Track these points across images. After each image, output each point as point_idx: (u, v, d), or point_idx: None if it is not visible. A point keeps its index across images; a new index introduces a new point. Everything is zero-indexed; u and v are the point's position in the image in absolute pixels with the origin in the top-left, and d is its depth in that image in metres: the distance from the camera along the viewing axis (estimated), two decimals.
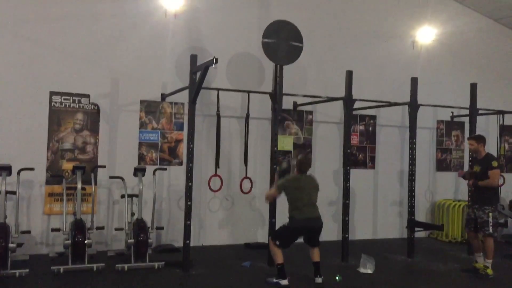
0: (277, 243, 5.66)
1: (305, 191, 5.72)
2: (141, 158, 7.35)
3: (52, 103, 6.92)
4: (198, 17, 7.71)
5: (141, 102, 7.37)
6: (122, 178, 6.56)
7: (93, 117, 7.11)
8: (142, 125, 7.38)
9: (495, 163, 6.38)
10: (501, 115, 8.46)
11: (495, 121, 8.72)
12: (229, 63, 7.81)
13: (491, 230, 6.28)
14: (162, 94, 7.44)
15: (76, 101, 7.02)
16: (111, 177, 6.83)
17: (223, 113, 6.92)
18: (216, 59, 5.32)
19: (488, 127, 9.11)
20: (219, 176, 6.75)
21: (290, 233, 5.66)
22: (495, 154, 8.15)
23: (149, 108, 7.42)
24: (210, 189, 6.80)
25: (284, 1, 8.26)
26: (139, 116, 7.35)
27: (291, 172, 6.17)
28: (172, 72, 7.52)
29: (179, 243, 7.18)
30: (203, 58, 6.33)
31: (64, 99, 6.96)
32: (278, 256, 5.63)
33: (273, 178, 6.48)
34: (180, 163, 7.51)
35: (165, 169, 7.19)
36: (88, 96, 7.07)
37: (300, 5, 8.31)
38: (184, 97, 7.12)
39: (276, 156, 6.62)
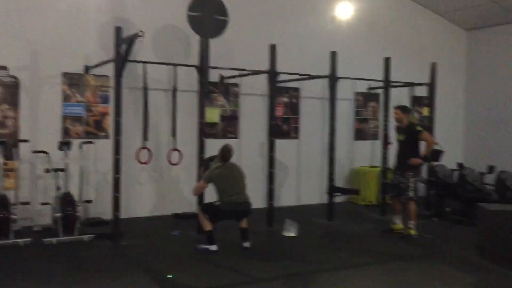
0: (207, 216, 5.89)
1: (232, 178, 5.99)
2: (65, 132, 7.22)
3: None
4: None
5: (64, 74, 7.19)
6: (46, 152, 6.44)
7: (12, 90, 6.85)
8: (66, 98, 7.22)
9: (419, 127, 6.96)
10: (412, 87, 9.13)
11: (407, 93, 9.39)
12: (154, 35, 7.76)
13: (411, 194, 6.87)
14: (85, 67, 7.29)
15: None
16: (34, 152, 6.68)
17: (149, 86, 6.92)
18: (142, 32, 5.34)
19: (401, 98, 9.76)
20: (147, 149, 6.82)
21: (219, 214, 5.91)
22: None
23: (73, 80, 7.25)
24: (139, 161, 6.85)
25: None
26: (62, 89, 7.18)
27: (214, 161, 6.36)
28: (95, 43, 7.37)
29: (107, 216, 7.21)
30: (128, 30, 6.30)
31: None
32: (207, 223, 5.88)
33: (202, 147, 6.68)
34: (107, 137, 7.46)
35: (92, 142, 7.13)
36: (5, 68, 6.78)
37: None
38: (109, 69, 7.04)
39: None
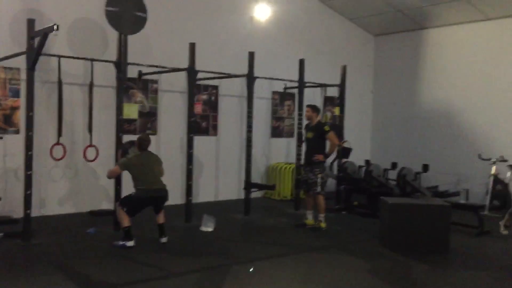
0: (124, 209, 5.90)
1: (148, 167, 6.04)
2: None
3: None
4: None
5: None
6: None
7: None
8: None
9: (327, 128, 7.38)
10: (324, 88, 9.65)
11: (320, 93, 9.91)
12: (70, 28, 7.56)
13: (319, 189, 7.29)
14: None
15: None
16: None
17: (64, 80, 6.75)
18: (57, 26, 5.23)
19: (314, 97, 10.31)
20: (61, 145, 6.64)
21: (136, 203, 5.96)
22: None
23: None
24: (52, 158, 6.66)
25: None
26: None
27: (131, 149, 6.39)
28: (5, 35, 7.05)
29: (18, 214, 6.94)
30: (42, 22, 6.12)
31: None
32: (125, 219, 5.89)
33: (119, 144, 6.64)
34: (17, 132, 7.17)
35: (1, 137, 6.81)
36: None
37: None
38: (19, 62, 6.78)
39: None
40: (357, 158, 10.06)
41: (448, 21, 10.56)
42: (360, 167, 9.87)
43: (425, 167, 9.31)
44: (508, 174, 8.97)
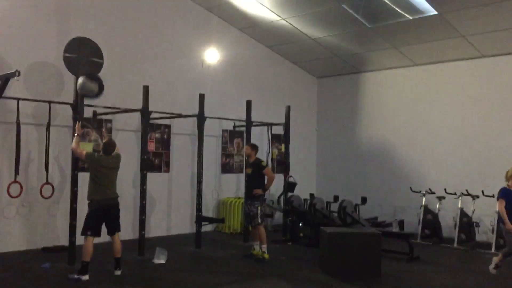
0: (89, 233, 6.22)
1: (106, 172, 6.45)
2: None
3: None
4: None
5: None
6: None
7: None
8: None
9: (263, 163, 8.02)
10: (270, 126, 10.35)
11: (267, 131, 10.59)
12: (26, 71, 7.90)
13: (259, 221, 7.85)
14: None
15: None
16: None
17: (21, 120, 7.06)
18: (19, 72, 5.65)
19: (262, 135, 11.00)
20: (18, 183, 6.91)
21: (94, 217, 6.31)
22: (266, 158, 10.01)
23: None
24: (9, 195, 6.90)
25: (83, 15, 8.69)
26: None
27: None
28: None
29: None
30: (1, 65, 6.49)
31: None
32: (88, 253, 6.20)
33: (74, 183, 6.98)
34: None
35: None
36: None
37: (100, 20, 8.87)
38: None
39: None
40: (303, 192, 10.75)
41: (381, 66, 11.64)
42: (305, 200, 10.54)
43: (364, 200, 10.07)
44: (437, 205, 9.86)
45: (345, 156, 12.49)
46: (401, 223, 10.09)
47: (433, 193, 9.95)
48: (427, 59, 10.78)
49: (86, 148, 8.52)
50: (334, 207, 10.14)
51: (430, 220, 9.83)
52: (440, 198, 9.84)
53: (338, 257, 6.80)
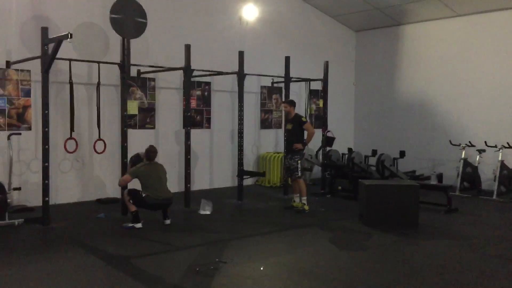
0: (131, 201, 6.66)
1: (155, 176, 6.82)
2: None
3: None
4: None
5: None
6: None
7: None
8: None
9: (304, 118, 8.21)
10: (308, 82, 10.44)
11: (304, 86, 10.69)
12: (74, 32, 8.20)
13: (299, 174, 8.13)
14: (7, 61, 7.61)
15: None
16: None
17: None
18: (71, 34, 5.94)
19: (300, 91, 11.13)
20: (74, 139, 7.38)
21: (142, 204, 6.73)
22: (305, 113, 10.16)
23: None
24: (66, 150, 7.39)
25: None
26: None
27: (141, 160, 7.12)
28: (17, 40, 7.73)
29: (31, 203, 7.69)
30: (49, 26, 6.81)
31: None
32: (131, 205, 6.65)
33: (124, 139, 7.39)
34: (29, 128, 7.88)
35: (20, 133, 7.52)
36: None
37: None
38: (30, 64, 7.49)
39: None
40: (341, 146, 10.91)
41: (422, 17, 11.39)
42: (343, 154, 10.72)
43: (402, 153, 10.18)
44: (477, 158, 9.85)
45: (383, 110, 12.48)
46: (439, 176, 10.18)
47: (473, 146, 9.92)
48: (470, 9, 10.48)
49: (132, 105, 8.91)
50: (372, 161, 10.30)
51: (470, 173, 9.86)
52: (480, 151, 9.81)
53: (376, 208, 7.02)
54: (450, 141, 10.37)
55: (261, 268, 5.10)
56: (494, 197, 9.22)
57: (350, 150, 10.46)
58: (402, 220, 6.98)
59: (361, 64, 13.06)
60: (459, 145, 10.05)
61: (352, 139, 13.06)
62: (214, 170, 10.41)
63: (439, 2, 10.44)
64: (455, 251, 5.90)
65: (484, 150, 9.80)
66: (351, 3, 11.31)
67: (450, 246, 6.11)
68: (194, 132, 9.18)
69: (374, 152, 10.18)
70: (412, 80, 11.87)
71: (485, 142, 9.79)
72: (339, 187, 9.89)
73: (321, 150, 10.33)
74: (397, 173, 9.83)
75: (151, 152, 6.93)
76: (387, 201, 7.01)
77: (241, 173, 9.06)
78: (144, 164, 6.90)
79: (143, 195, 6.73)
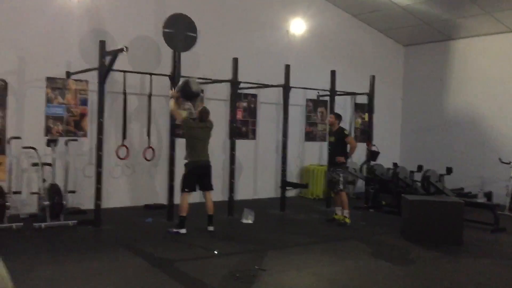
0: (186, 190, 6.94)
1: (200, 138, 7.08)
2: (48, 130, 8.05)
3: None
4: (100, 4, 8.47)
5: (48, 79, 8.01)
6: (34, 148, 7.29)
7: (0, 92, 7.63)
8: (49, 100, 8.06)
9: (346, 131, 8.28)
10: (354, 96, 10.47)
11: (350, 100, 10.74)
12: (129, 45, 8.65)
13: (341, 187, 8.17)
14: (67, 72, 8.14)
15: None
16: (24, 147, 7.48)
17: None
18: (126, 47, 6.33)
19: (345, 104, 11.18)
20: (125, 146, 7.78)
21: (189, 176, 7.02)
22: (349, 127, 10.20)
23: (55, 84, 8.10)
24: (118, 157, 7.80)
25: None
26: (45, 92, 8.01)
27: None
28: (76, 51, 8.25)
29: (84, 206, 8.12)
30: (106, 39, 7.26)
31: None
32: (185, 208, 6.93)
33: (172, 148, 7.72)
34: (85, 135, 8.36)
35: (76, 140, 8.00)
36: None
37: None
38: (87, 75, 7.98)
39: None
40: (386, 161, 10.82)
41: (473, 32, 11.19)
42: (388, 169, 10.62)
43: (449, 170, 9.98)
44: None
45: (431, 125, 12.29)
46: (488, 194, 9.91)
47: None
48: None
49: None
50: (418, 176, 10.15)
51: None
52: None
53: (419, 224, 6.96)
54: (499, 159, 10.09)
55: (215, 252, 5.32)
56: None
57: (395, 164, 10.36)
58: (445, 237, 6.89)
59: (409, 78, 12.94)
60: (509, 163, 9.75)
61: (398, 153, 12.91)
62: (257, 181, 10.59)
63: (491, 17, 10.25)
64: (497, 271, 5.78)
65: None
66: (401, 18, 11.28)
67: (493, 265, 5.98)
68: (240, 143, 9.41)
69: (420, 168, 10.03)
70: (461, 95, 11.65)
71: None
72: (384, 202, 9.81)
73: (365, 164, 10.30)
74: (443, 190, 9.64)
75: (204, 112, 7.20)
76: (430, 217, 6.93)
77: (284, 184, 9.18)
78: (195, 120, 7.20)
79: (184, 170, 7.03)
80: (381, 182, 10.14)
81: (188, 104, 9.45)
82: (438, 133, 12.07)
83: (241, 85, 8.70)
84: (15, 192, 7.27)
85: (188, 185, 7.01)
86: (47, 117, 8.06)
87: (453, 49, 11.88)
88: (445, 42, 11.96)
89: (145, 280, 5.04)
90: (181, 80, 7.34)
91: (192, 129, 7.08)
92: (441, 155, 11.67)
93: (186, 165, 7.09)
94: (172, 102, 7.21)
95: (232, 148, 8.50)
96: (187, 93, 6.96)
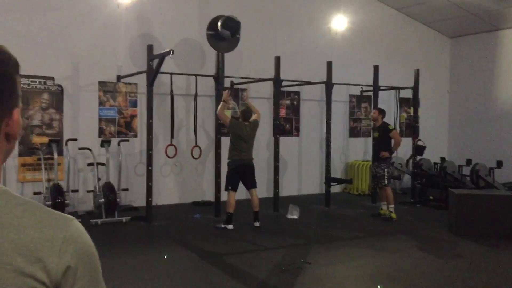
0: (230, 188, 7.17)
1: (245, 138, 7.27)
2: (101, 131, 8.49)
3: (21, 85, 7.81)
4: (146, 9, 8.82)
5: (99, 83, 8.45)
6: (90, 149, 7.71)
7: (57, 96, 8.12)
8: (101, 103, 8.49)
9: (391, 126, 8.25)
10: (398, 90, 10.38)
11: (394, 95, 10.64)
12: (174, 48, 8.99)
13: (386, 182, 8.15)
14: (117, 76, 8.54)
15: (42, 83, 7.98)
16: (80, 148, 7.93)
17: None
18: (173, 51, 6.60)
19: (389, 99, 11.07)
20: (173, 145, 8.09)
21: (233, 174, 7.25)
22: (394, 122, 10.12)
23: (107, 88, 8.52)
24: (167, 156, 8.13)
25: None
26: (98, 95, 8.44)
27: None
28: (125, 56, 8.64)
29: (136, 203, 8.50)
30: (153, 43, 7.57)
31: (31, 81, 7.89)
32: (232, 205, 7.13)
33: (218, 146, 7.95)
34: (135, 135, 8.74)
35: (128, 140, 8.40)
36: (52, 78, 8.04)
37: None
38: (136, 78, 8.34)
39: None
40: (433, 155, 10.67)
41: None
42: (435, 163, 10.47)
43: (500, 163, 9.73)
44: None
45: (479, 118, 11.98)
46: None
47: None
48: None
49: (226, 114, 9.49)
50: (467, 170, 9.96)
51: None
52: None
53: (466, 218, 6.87)
54: None
55: (309, 262, 5.28)
56: None
57: (442, 159, 10.20)
58: (495, 231, 6.75)
59: (456, 71, 12.65)
60: None
61: (446, 148, 12.65)
62: (302, 177, 10.69)
63: None
64: None
65: None
66: (446, 9, 11.07)
67: None
68: (283, 140, 9.55)
69: (469, 162, 9.84)
70: (511, 86, 11.28)
71: None
72: (430, 197, 9.69)
73: (411, 159, 10.19)
74: (494, 184, 9.42)
75: (247, 113, 7.45)
76: (478, 211, 6.83)
77: (329, 179, 9.25)
78: (240, 123, 7.42)
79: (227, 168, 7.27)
80: (428, 176, 10.02)
81: (233, 103, 9.68)
82: (487, 126, 11.75)
83: (284, 83, 8.82)
84: (72, 191, 7.72)
85: (231, 183, 7.21)
86: (100, 119, 8.49)
87: (502, 39, 11.53)
88: (493, 33, 11.63)
89: (196, 271, 5.28)
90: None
91: (236, 129, 7.27)
92: (490, 148, 11.36)
93: (228, 163, 7.30)
94: (221, 105, 7.43)
95: (276, 146, 8.66)
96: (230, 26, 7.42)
